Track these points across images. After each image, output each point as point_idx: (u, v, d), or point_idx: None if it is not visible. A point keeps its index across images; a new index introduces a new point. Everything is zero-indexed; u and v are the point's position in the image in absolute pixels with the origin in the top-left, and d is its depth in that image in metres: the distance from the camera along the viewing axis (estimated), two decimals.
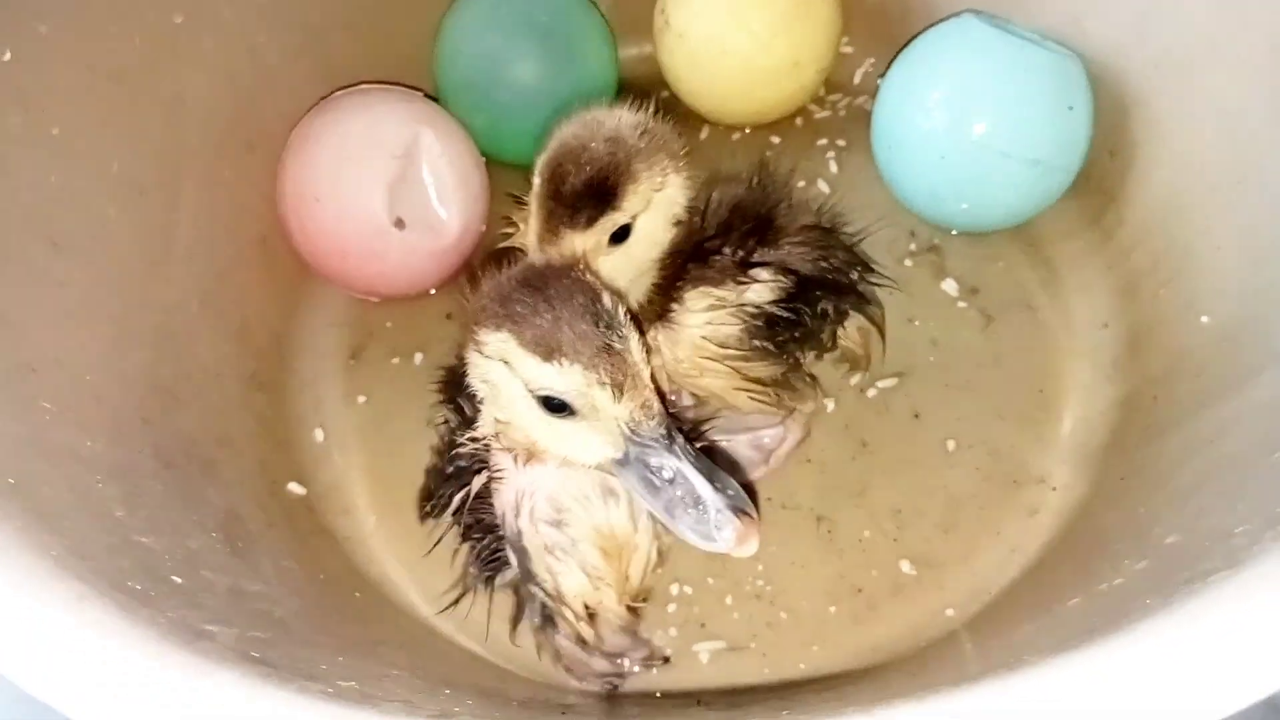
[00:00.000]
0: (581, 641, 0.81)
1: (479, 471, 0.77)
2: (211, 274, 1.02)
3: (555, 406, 0.66)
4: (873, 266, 0.94)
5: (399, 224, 1.03)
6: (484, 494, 0.78)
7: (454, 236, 1.06)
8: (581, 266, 0.70)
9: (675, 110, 1.24)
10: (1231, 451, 0.74)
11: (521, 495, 0.75)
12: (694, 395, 0.91)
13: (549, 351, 0.63)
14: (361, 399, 1.09)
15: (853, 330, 0.94)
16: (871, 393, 1.04)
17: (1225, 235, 0.91)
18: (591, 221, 0.75)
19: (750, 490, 0.67)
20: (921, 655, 0.88)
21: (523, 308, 0.65)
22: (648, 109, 0.81)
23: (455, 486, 0.79)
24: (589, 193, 0.75)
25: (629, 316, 0.67)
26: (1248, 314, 0.84)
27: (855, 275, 0.92)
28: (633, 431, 0.65)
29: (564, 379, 0.64)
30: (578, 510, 0.74)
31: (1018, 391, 1.04)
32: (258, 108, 1.08)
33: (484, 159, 1.13)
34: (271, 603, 0.72)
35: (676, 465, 0.65)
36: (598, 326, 0.64)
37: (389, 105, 1.05)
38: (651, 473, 0.65)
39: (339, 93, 1.09)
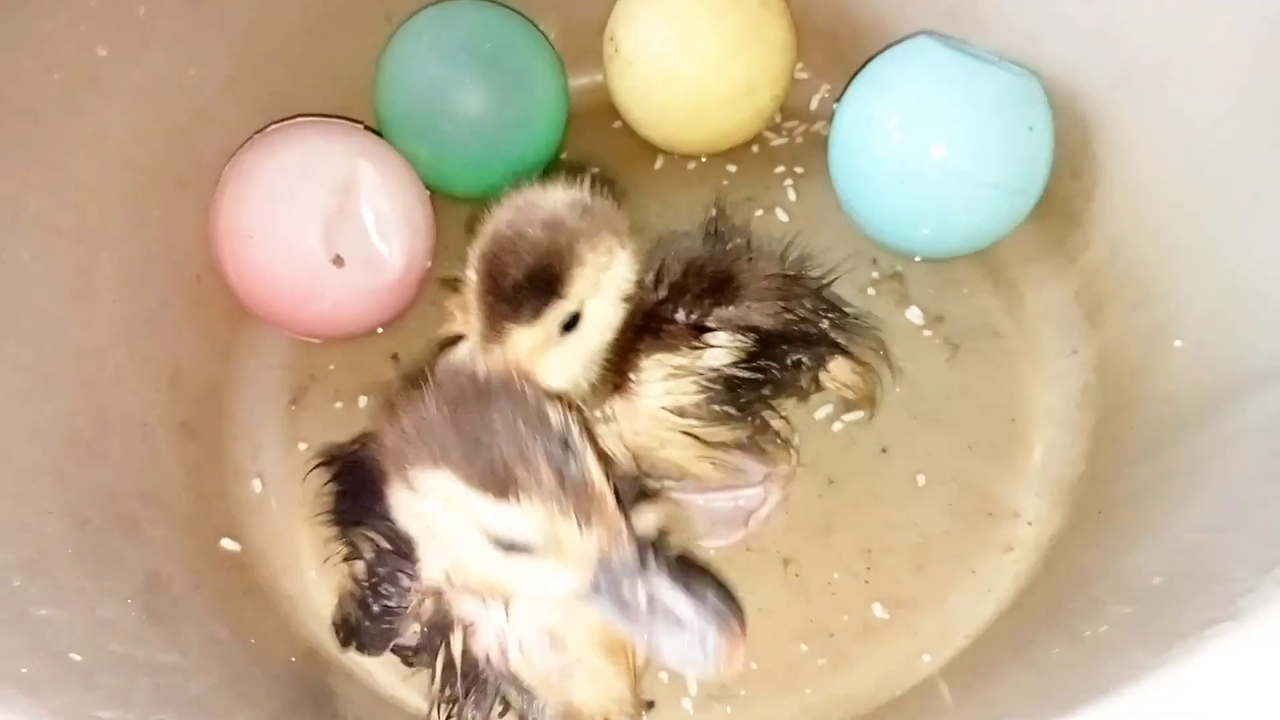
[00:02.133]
0: None
1: (446, 629, 0.69)
2: (139, 318, 0.96)
3: (513, 545, 0.59)
4: (845, 310, 0.89)
5: (338, 261, 0.98)
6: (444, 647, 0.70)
7: (397, 274, 1.01)
8: (517, 376, 0.63)
9: (628, 142, 1.23)
10: (1213, 482, 0.70)
11: (503, 635, 0.67)
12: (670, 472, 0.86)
13: (502, 489, 0.56)
14: (303, 446, 1.03)
15: (843, 373, 0.88)
16: (837, 427, 1.00)
17: (1193, 255, 0.88)
18: (538, 314, 0.70)
19: (729, 595, 0.62)
20: (899, 706, 0.84)
21: (461, 439, 0.58)
22: (584, 183, 0.76)
23: (426, 656, 0.70)
24: (532, 284, 0.69)
25: (581, 429, 0.60)
26: (1220, 336, 0.81)
27: (825, 323, 0.86)
28: (602, 560, 0.59)
29: (523, 518, 0.57)
30: (570, 626, 0.67)
31: (987, 422, 1.00)
32: (189, 144, 1.03)
33: (429, 192, 1.08)
34: (187, 676, 0.66)
35: (653, 589, 0.59)
36: (549, 451, 0.58)
37: (326, 138, 1.00)
38: (626, 599, 0.60)
39: (274, 126, 1.04)
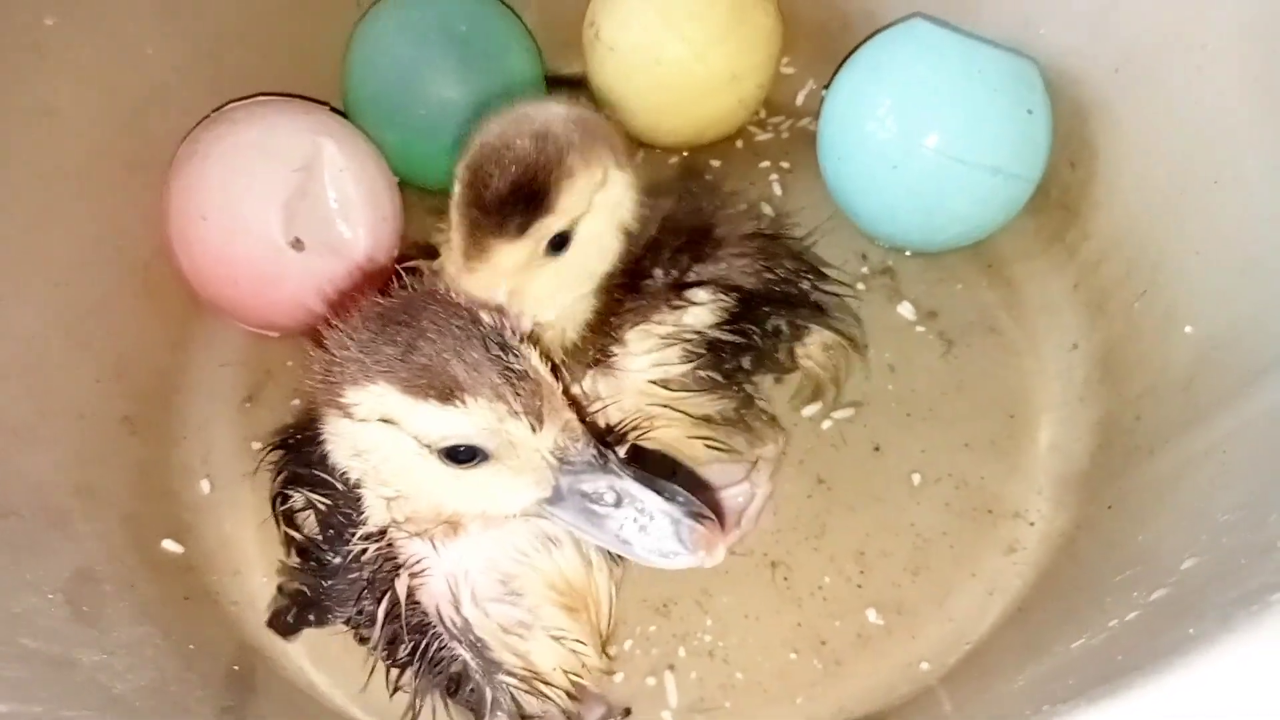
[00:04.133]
0: (564, 715, 0.70)
1: (392, 574, 0.65)
2: (82, 303, 0.90)
3: (463, 457, 0.55)
4: (824, 272, 0.84)
5: (297, 245, 0.92)
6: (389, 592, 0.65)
7: (360, 260, 0.95)
8: (443, 287, 0.61)
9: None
10: (1246, 463, 0.65)
11: (455, 581, 0.63)
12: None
13: (445, 392, 0.53)
14: (257, 446, 0.96)
15: (816, 349, 0.84)
16: (827, 424, 0.95)
17: (1204, 239, 0.83)
18: (523, 229, 0.65)
19: (698, 490, 0.61)
20: (896, 715, 0.77)
21: (394, 349, 0.55)
22: (581, 100, 0.72)
23: (365, 602, 0.66)
24: (517, 196, 0.65)
25: (517, 330, 0.58)
26: (1237, 319, 0.77)
27: (806, 285, 0.82)
28: (561, 461, 0.56)
29: (471, 420, 0.54)
30: (525, 573, 0.63)
31: (985, 419, 0.95)
32: (143, 124, 0.97)
33: (397, 179, 1.03)
34: (112, 676, 0.59)
35: (618, 484, 0.57)
36: (489, 350, 0.55)
37: (287, 115, 0.95)
38: (592, 501, 0.57)
39: (232, 104, 0.98)
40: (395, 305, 0.58)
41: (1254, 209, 0.79)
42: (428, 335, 0.55)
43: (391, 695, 0.68)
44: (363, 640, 0.71)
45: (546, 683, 0.65)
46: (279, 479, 0.73)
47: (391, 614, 0.64)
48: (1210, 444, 0.71)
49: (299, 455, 0.71)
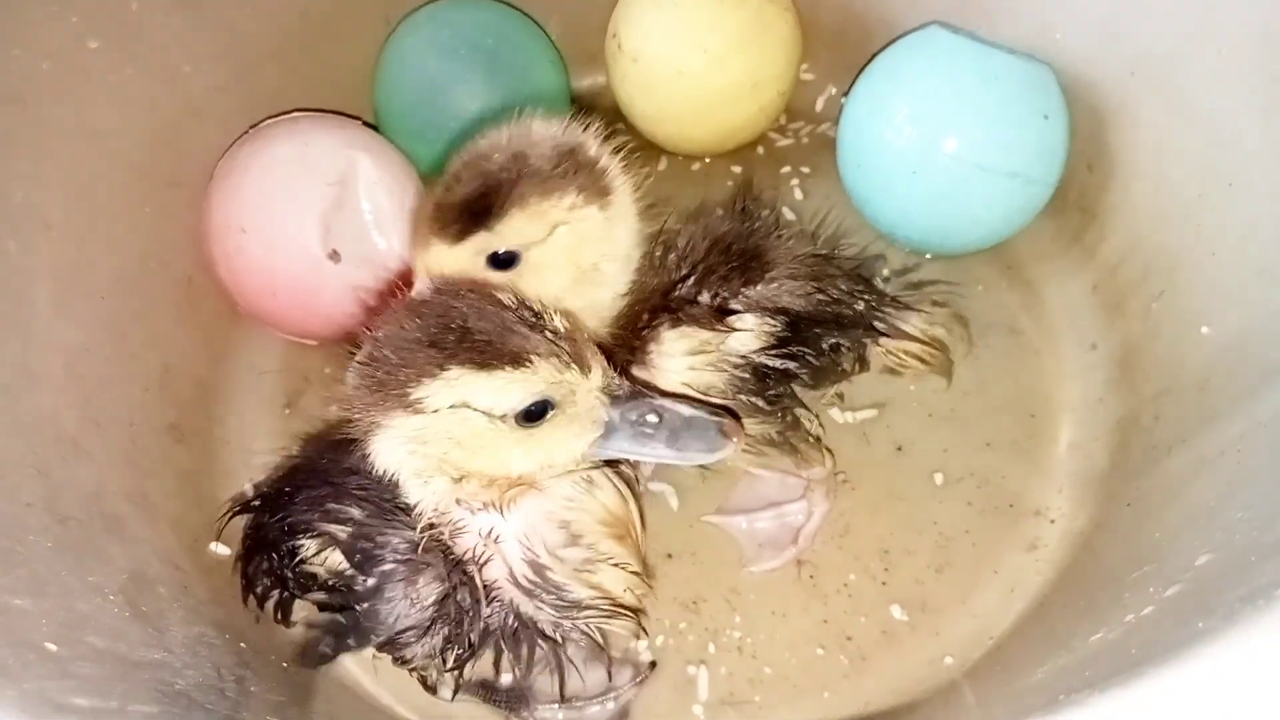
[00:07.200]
0: (641, 630, 0.80)
1: (458, 560, 0.69)
2: (128, 316, 0.93)
3: (534, 414, 0.61)
4: (881, 291, 0.85)
5: (334, 256, 0.95)
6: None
7: (395, 270, 0.98)
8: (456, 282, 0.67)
9: (631, 141, 1.20)
10: (1259, 462, 0.67)
11: (528, 537, 0.69)
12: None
13: (516, 358, 0.59)
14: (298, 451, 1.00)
15: (911, 346, 0.85)
16: (850, 425, 0.97)
17: (1220, 241, 0.85)
18: (459, 237, 0.69)
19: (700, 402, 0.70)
20: (920, 709, 0.80)
21: (454, 335, 0.60)
22: (600, 133, 0.73)
23: (428, 637, 0.70)
24: (464, 205, 0.69)
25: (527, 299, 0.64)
26: (1253, 319, 0.78)
27: (862, 306, 0.82)
28: (611, 396, 0.63)
29: (539, 378, 0.60)
30: (578, 515, 0.70)
31: (1006, 419, 0.97)
32: (182, 141, 1.01)
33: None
34: (174, 673, 0.62)
35: (655, 403, 0.65)
36: (525, 319, 0.62)
37: (322, 130, 0.98)
38: (641, 425, 0.65)
39: (268, 120, 1.01)
40: (430, 303, 0.63)
41: (1269, 210, 0.80)
42: (474, 319, 0.61)
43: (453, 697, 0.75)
44: (403, 662, 0.75)
45: (621, 604, 0.72)
46: (268, 536, 0.77)
47: (459, 600, 0.69)
48: (1224, 444, 0.72)
49: (288, 507, 0.75)
